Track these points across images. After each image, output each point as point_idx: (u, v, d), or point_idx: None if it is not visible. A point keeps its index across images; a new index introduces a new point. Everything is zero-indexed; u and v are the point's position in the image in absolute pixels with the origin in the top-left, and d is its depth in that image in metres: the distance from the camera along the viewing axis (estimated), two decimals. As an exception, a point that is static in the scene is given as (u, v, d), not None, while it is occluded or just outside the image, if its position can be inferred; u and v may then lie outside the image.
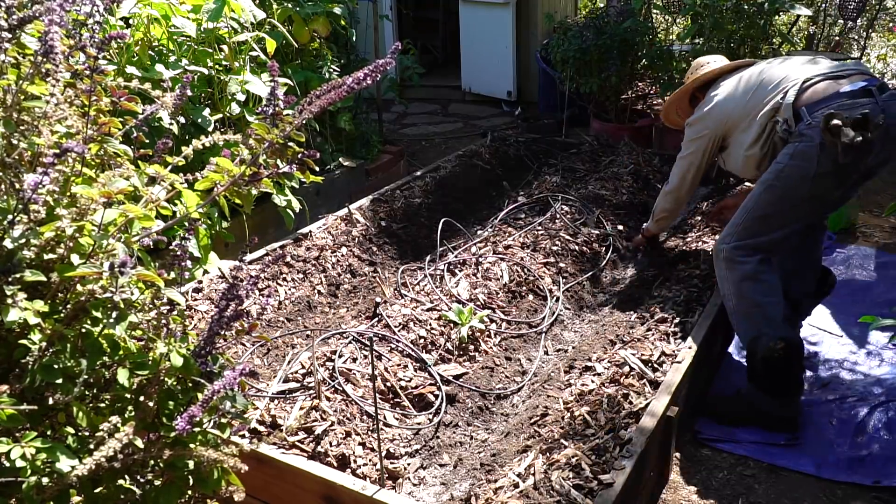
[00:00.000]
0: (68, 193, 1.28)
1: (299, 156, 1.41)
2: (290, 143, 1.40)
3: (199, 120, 3.08)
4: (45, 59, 1.26)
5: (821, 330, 3.03)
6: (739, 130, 2.67)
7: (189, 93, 1.61)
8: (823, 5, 6.08)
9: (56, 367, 1.17)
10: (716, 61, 2.99)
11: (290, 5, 3.82)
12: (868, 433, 2.40)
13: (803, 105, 2.44)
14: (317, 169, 1.49)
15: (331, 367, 2.28)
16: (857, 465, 2.27)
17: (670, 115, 3.19)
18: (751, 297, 2.45)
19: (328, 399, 2.16)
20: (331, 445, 2.02)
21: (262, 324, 2.72)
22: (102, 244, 1.20)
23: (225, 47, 3.28)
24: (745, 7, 4.52)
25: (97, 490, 1.22)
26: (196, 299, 2.64)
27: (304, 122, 1.39)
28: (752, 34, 4.52)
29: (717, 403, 2.56)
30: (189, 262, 1.40)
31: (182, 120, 2.96)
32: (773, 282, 2.47)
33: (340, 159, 4.39)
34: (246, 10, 3.19)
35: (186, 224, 1.41)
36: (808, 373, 2.72)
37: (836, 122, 2.29)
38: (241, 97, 3.36)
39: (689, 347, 2.36)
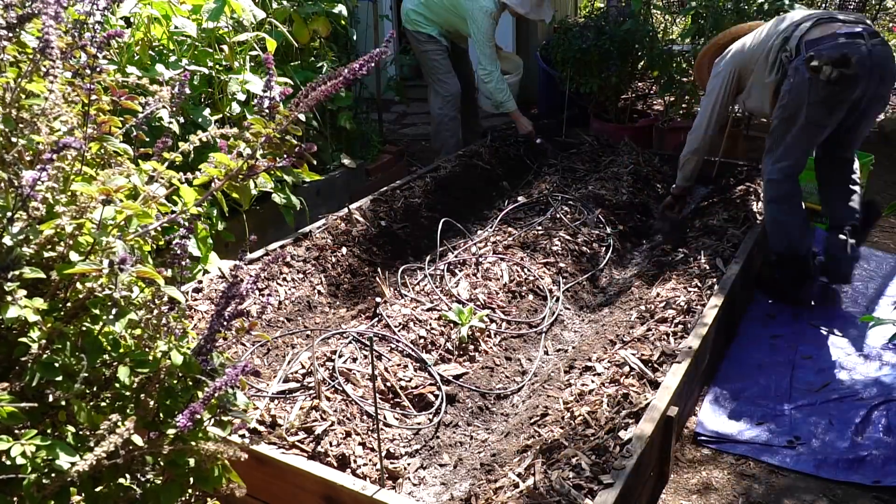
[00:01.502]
0: (68, 191, 1.27)
1: (296, 150, 1.41)
2: (288, 137, 1.40)
3: (199, 119, 3.07)
4: (42, 56, 1.26)
5: (820, 330, 3.03)
6: (758, 68, 3.16)
7: (188, 90, 1.61)
8: (823, 5, 6.08)
9: (56, 364, 1.17)
10: (750, 25, 3.50)
11: (290, 5, 3.82)
12: (868, 433, 2.39)
13: (805, 42, 2.92)
14: (314, 162, 1.49)
15: (331, 367, 2.28)
16: (857, 465, 2.27)
17: (703, 72, 3.66)
18: (775, 216, 3.14)
19: (328, 399, 2.16)
20: (331, 445, 2.02)
21: (262, 324, 2.72)
22: (101, 241, 1.20)
23: (225, 47, 3.28)
24: (745, 7, 4.52)
25: (97, 488, 1.21)
26: (196, 299, 2.64)
27: (302, 113, 1.38)
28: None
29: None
30: (188, 261, 1.40)
31: (182, 119, 2.96)
32: (798, 200, 3.11)
33: (341, 158, 4.38)
34: (246, 9, 3.19)
35: (183, 220, 1.41)
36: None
37: (814, 63, 2.82)
38: (242, 97, 3.36)
39: (690, 348, 2.35)
